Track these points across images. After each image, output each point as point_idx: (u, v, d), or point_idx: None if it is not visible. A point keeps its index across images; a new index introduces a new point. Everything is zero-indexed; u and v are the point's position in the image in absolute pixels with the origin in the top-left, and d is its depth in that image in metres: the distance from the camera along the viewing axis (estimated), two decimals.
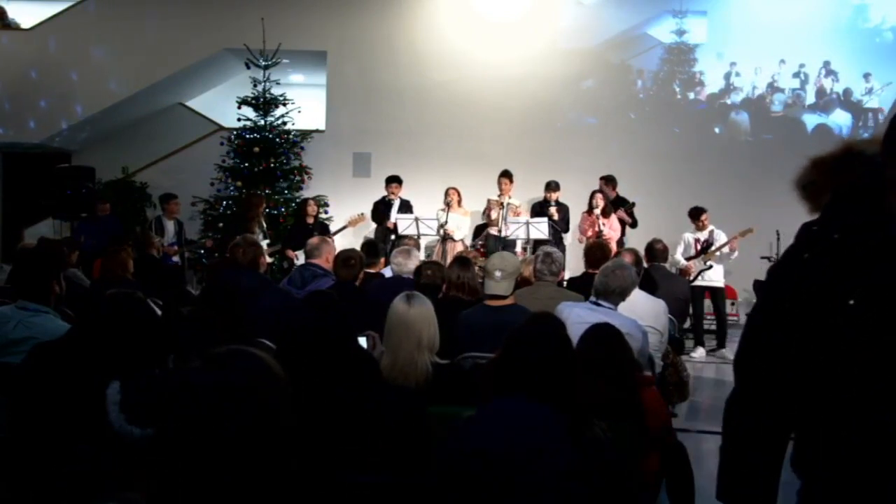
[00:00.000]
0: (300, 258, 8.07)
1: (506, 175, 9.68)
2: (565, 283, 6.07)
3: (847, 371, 1.48)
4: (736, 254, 8.84)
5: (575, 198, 9.92)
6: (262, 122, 10.70)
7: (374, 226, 10.18)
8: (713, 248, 8.80)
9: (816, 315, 1.52)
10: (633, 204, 9.61)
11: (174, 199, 9.98)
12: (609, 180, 9.75)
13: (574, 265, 8.91)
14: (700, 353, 8.76)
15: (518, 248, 9.16)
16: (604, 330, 3.03)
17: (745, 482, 1.67)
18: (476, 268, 5.22)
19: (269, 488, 1.39)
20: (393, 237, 9.54)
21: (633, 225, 9.64)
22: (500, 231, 9.29)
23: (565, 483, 2.04)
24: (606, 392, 2.84)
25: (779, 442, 1.64)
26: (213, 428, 1.35)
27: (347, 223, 9.88)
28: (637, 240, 8.49)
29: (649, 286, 5.44)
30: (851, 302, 1.47)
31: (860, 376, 1.46)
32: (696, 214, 8.95)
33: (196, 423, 1.35)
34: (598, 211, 9.25)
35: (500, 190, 9.66)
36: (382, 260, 6.28)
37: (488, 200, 9.73)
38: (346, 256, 5.17)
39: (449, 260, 8.53)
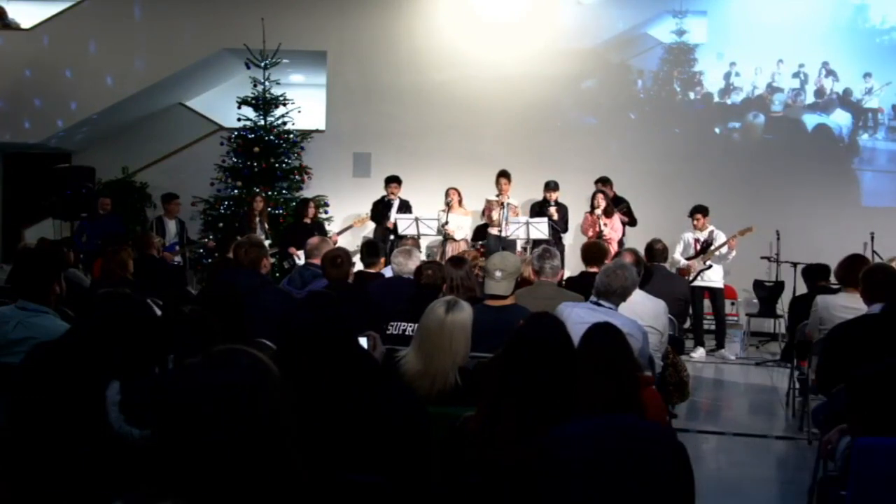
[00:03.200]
0: (301, 258, 8.07)
1: (504, 175, 9.68)
2: (563, 282, 6.07)
3: None
4: (734, 253, 8.84)
5: (574, 198, 9.92)
6: (262, 122, 10.70)
7: (373, 226, 10.18)
8: (712, 247, 8.80)
9: None
10: (627, 203, 9.62)
11: (175, 198, 10.01)
12: (606, 182, 9.76)
13: (574, 265, 8.90)
14: (700, 353, 8.76)
15: (518, 248, 9.16)
16: (606, 329, 3.03)
17: None
18: (477, 268, 5.21)
19: (268, 488, 1.39)
20: (392, 237, 9.55)
21: (633, 223, 9.63)
22: (500, 231, 9.29)
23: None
24: (608, 392, 2.83)
25: None
26: (210, 427, 1.35)
27: (354, 222, 9.89)
28: (637, 239, 8.49)
29: (643, 282, 5.44)
30: None
31: None
32: (691, 213, 8.97)
33: (193, 422, 1.35)
34: (599, 211, 9.24)
35: (499, 190, 9.67)
36: (382, 260, 6.27)
37: (487, 200, 9.74)
38: (332, 256, 5.14)
39: None
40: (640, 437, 2.22)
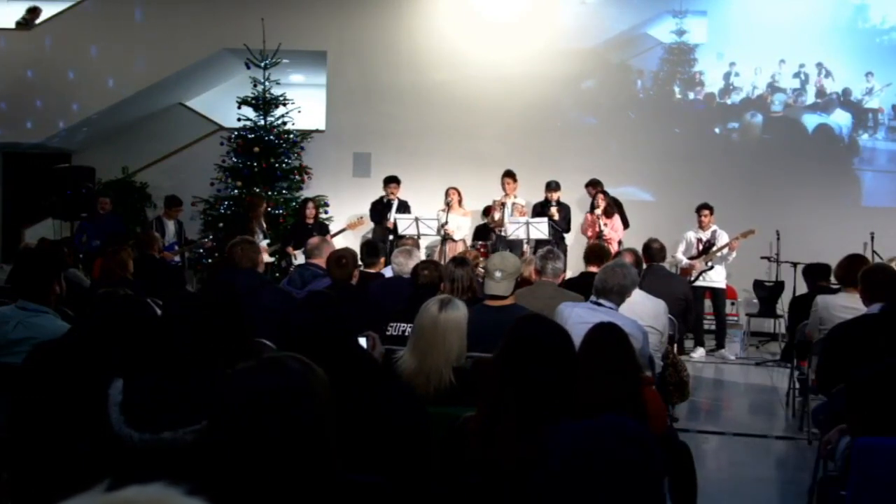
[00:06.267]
0: (300, 258, 8.07)
1: (509, 175, 9.66)
2: (563, 283, 6.07)
3: None
4: (734, 255, 8.84)
5: (575, 198, 9.91)
6: (262, 122, 10.69)
7: (372, 226, 10.17)
8: (714, 248, 8.80)
9: None
10: (620, 204, 9.62)
11: (179, 204, 10.03)
12: (596, 184, 9.76)
13: (575, 265, 8.90)
14: (700, 353, 8.76)
15: (525, 249, 9.12)
16: (609, 329, 3.03)
17: None
18: (478, 268, 5.21)
19: (310, 488, 1.43)
20: (392, 237, 9.54)
21: (626, 226, 9.60)
22: (503, 231, 9.28)
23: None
24: (609, 391, 2.83)
25: None
26: (261, 430, 1.39)
27: (347, 226, 9.88)
28: (637, 240, 8.49)
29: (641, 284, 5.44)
30: None
31: None
32: (698, 209, 8.99)
33: (245, 425, 1.39)
34: (599, 211, 9.23)
35: (505, 190, 9.65)
36: (382, 260, 6.27)
37: (493, 201, 9.71)
38: (337, 256, 5.17)
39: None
40: (624, 438, 2.23)
